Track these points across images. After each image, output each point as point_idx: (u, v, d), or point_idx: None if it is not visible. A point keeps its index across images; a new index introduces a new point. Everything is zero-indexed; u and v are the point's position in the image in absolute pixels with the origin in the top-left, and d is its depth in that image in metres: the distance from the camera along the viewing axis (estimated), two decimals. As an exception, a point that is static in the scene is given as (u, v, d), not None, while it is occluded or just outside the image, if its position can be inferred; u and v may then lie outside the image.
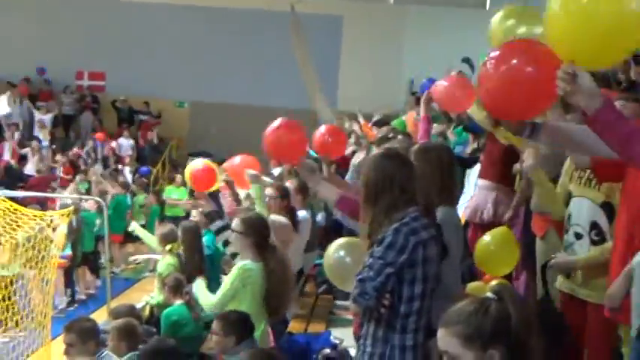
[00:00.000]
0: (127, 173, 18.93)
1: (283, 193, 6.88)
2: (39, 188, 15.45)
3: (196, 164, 6.96)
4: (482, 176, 5.89)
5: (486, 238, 5.09)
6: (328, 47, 20.04)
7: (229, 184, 6.74)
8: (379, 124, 8.11)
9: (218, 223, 5.93)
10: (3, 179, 17.34)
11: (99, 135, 20.72)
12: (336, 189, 4.48)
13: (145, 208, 15.85)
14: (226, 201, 7.10)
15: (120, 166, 19.42)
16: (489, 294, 2.32)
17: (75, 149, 19.94)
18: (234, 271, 5.23)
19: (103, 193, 14.19)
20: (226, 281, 5.26)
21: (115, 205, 14.40)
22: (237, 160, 6.89)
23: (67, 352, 5.23)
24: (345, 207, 4.24)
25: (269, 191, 6.79)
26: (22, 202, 9.98)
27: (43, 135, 20.53)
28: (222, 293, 5.21)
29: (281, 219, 6.46)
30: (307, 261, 7.83)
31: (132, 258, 9.81)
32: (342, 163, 8.87)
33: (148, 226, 15.46)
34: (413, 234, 3.47)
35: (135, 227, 9.05)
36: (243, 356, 4.22)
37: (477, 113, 5.75)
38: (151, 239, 8.76)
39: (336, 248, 4.57)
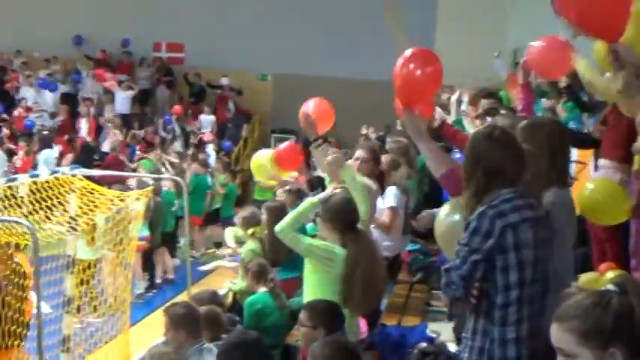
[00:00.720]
0: (211, 151, 19.20)
1: (374, 156, 6.86)
2: (116, 167, 15.86)
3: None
4: (604, 155, 5.73)
5: (590, 186, 5.03)
6: (423, 15, 19.80)
7: None
8: (483, 96, 7.96)
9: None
10: (79, 157, 17.82)
11: (176, 108, 20.95)
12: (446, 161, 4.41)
13: (223, 188, 16.11)
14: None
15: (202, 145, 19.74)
16: (610, 286, 2.27)
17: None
18: (326, 244, 5.27)
19: (181, 173, 14.47)
20: (316, 241, 5.30)
21: (194, 185, 14.67)
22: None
23: (165, 335, 5.39)
24: (450, 183, 4.18)
25: (359, 153, 6.80)
26: (99, 181, 10.25)
27: (108, 111, 20.92)
28: (304, 238, 5.30)
29: (369, 182, 6.42)
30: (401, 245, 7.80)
31: (200, 268, 10.09)
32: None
33: (224, 208, 15.76)
34: (499, 217, 3.43)
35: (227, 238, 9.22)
36: (316, 346, 4.22)
37: (587, 72, 5.59)
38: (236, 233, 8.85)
39: (449, 211, 4.33)
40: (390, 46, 18.48)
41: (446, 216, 4.32)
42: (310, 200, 5.45)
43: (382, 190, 6.94)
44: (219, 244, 15.82)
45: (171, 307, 5.53)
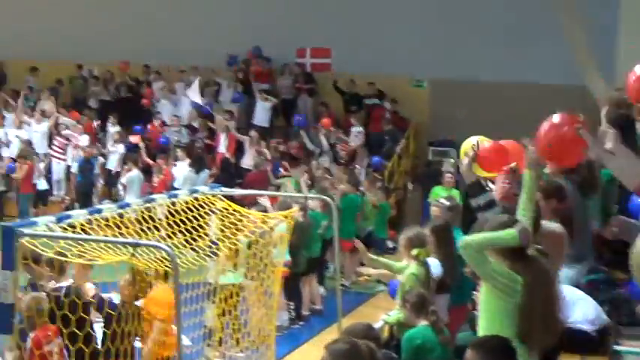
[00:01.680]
0: (358, 166, 19.25)
1: (554, 193, 6.68)
2: (259, 185, 16.10)
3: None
4: None
5: None
6: (603, 10, 19.21)
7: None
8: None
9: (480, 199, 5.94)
10: (219, 175, 18.20)
11: (325, 121, 21.06)
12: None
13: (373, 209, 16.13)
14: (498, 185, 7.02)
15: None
16: None
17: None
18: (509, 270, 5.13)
19: (324, 191, 14.43)
20: (498, 266, 5.16)
21: (344, 205, 14.68)
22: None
23: None
24: None
25: None
26: (239, 200, 10.44)
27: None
28: (489, 260, 5.11)
29: (552, 225, 6.23)
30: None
31: (361, 271, 9.99)
32: None
33: (377, 230, 15.73)
34: None
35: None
36: None
37: None
38: (387, 263, 8.70)
39: None
40: (561, 48, 18.15)
41: None
42: (512, 232, 5.15)
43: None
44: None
45: (332, 344, 5.46)
